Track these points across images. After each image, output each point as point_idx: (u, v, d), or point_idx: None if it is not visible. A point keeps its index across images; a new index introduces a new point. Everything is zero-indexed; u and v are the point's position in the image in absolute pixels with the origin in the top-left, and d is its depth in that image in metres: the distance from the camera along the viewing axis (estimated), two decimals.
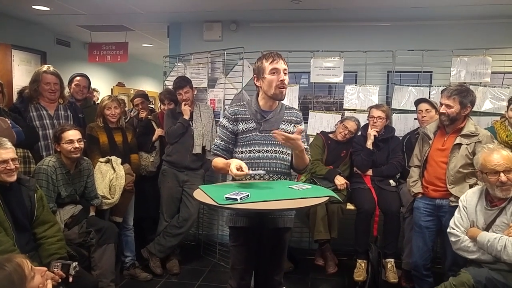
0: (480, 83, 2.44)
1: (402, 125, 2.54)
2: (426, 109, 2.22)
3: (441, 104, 1.84)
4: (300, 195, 1.23)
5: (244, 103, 1.50)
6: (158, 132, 2.54)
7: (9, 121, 1.80)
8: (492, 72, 2.43)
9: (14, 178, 1.50)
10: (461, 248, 1.56)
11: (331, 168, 2.34)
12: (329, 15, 2.75)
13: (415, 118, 2.40)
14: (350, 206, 2.28)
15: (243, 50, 2.56)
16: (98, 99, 3.45)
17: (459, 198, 1.77)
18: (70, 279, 1.47)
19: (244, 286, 1.48)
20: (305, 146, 1.49)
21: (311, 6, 2.55)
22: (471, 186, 1.80)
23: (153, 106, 4.03)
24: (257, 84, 1.43)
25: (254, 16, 2.88)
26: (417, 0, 2.40)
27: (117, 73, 5.15)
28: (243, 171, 1.28)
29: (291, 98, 2.55)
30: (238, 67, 2.63)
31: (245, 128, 1.44)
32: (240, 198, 1.13)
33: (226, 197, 1.15)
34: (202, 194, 1.25)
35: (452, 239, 1.60)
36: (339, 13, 2.70)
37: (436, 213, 1.90)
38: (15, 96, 2.59)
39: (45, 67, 2.17)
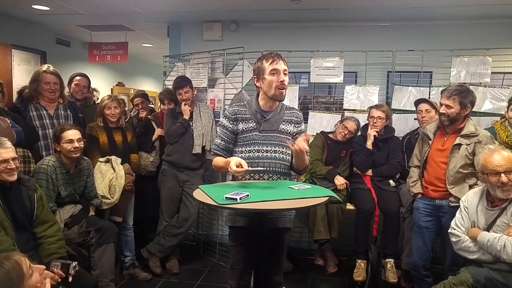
0: (480, 83, 2.44)
1: (402, 125, 2.54)
2: (426, 109, 2.22)
3: (441, 105, 1.84)
4: (299, 195, 1.24)
5: (245, 103, 1.50)
6: (158, 132, 2.54)
7: (9, 121, 1.80)
8: (492, 73, 2.43)
9: (14, 177, 1.50)
10: (462, 248, 1.57)
11: (331, 168, 2.34)
12: (329, 15, 2.75)
13: (415, 118, 2.40)
14: (349, 206, 2.28)
15: (243, 50, 2.56)
16: (98, 99, 3.45)
17: (458, 198, 1.77)
18: (70, 279, 1.48)
19: (243, 286, 1.48)
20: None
21: (311, 6, 2.55)
22: (470, 187, 1.80)
23: (153, 106, 4.03)
24: (257, 84, 1.43)
25: (254, 16, 2.88)
26: (417, 0, 2.40)
27: (117, 73, 5.15)
28: (242, 168, 1.27)
29: (291, 98, 2.55)
30: (238, 67, 2.63)
31: (245, 128, 1.44)
32: (240, 198, 1.14)
33: (226, 197, 1.15)
34: (202, 194, 1.25)
35: (453, 239, 1.60)
36: (339, 13, 2.70)
37: (435, 213, 1.90)
38: (15, 96, 2.59)
39: (45, 67, 2.17)
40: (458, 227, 1.60)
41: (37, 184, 1.67)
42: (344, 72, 2.57)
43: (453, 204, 1.81)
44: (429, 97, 2.44)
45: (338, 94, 2.77)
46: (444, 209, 1.86)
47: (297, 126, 1.48)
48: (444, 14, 2.60)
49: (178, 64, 2.89)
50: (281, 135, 1.44)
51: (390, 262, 2.17)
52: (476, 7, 2.45)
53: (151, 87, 5.66)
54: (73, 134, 1.86)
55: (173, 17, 3.06)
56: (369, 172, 2.32)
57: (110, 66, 4.84)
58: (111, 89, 4.94)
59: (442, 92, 1.87)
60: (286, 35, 2.88)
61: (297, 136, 1.48)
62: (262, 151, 1.42)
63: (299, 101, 2.69)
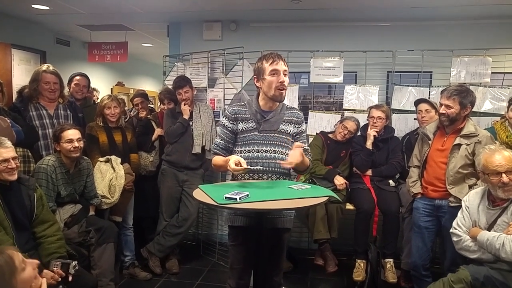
0: (480, 83, 2.44)
1: (402, 125, 2.54)
2: (426, 110, 2.22)
3: (441, 105, 1.84)
4: (299, 195, 1.24)
5: (245, 102, 1.50)
6: (158, 131, 2.54)
7: (8, 121, 1.80)
8: (492, 73, 2.42)
9: (15, 177, 1.50)
10: (463, 248, 1.57)
11: (330, 168, 2.34)
12: (329, 15, 2.75)
13: (414, 119, 2.40)
14: (349, 206, 2.28)
15: (243, 50, 2.56)
16: (97, 98, 3.45)
17: (458, 198, 1.78)
18: (70, 278, 1.48)
19: (242, 286, 1.48)
20: (306, 147, 1.49)
21: (311, 6, 2.55)
22: (470, 187, 1.80)
23: (152, 105, 4.03)
24: (257, 84, 1.43)
25: (254, 16, 2.88)
26: (417, 0, 2.40)
27: (117, 73, 5.15)
28: (241, 166, 1.28)
29: (290, 98, 2.55)
30: (237, 67, 2.63)
31: (245, 128, 1.44)
32: (240, 198, 1.14)
33: (225, 197, 1.15)
34: (201, 194, 1.25)
35: (454, 239, 1.61)
36: (339, 13, 2.70)
37: (435, 213, 1.91)
38: (14, 96, 2.59)
39: (44, 67, 2.17)
40: (459, 226, 1.60)
41: (37, 184, 1.67)
42: (344, 72, 2.57)
43: (452, 204, 1.81)
44: (429, 97, 2.43)
45: (338, 94, 2.77)
46: (443, 209, 1.86)
47: (297, 127, 1.48)
48: (444, 14, 2.60)
49: (178, 64, 2.89)
50: (281, 136, 1.44)
51: (389, 262, 2.17)
52: (476, 7, 2.45)
53: (151, 87, 5.66)
54: (73, 133, 1.86)
55: (173, 17, 3.06)
56: (369, 172, 2.32)
57: (110, 66, 4.83)
58: (111, 88, 4.93)
59: (442, 92, 1.87)
60: (286, 35, 2.88)
61: (297, 136, 1.48)
62: (262, 151, 1.42)
63: (299, 101, 2.69)
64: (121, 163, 2.16)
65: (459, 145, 1.82)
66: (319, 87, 2.83)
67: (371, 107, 2.37)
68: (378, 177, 2.30)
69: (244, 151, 1.43)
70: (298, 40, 2.80)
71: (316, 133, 2.53)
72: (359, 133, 2.40)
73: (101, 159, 2.14)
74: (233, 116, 1.45)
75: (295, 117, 1.49)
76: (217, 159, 1.44)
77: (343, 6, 2.57)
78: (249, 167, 1.32)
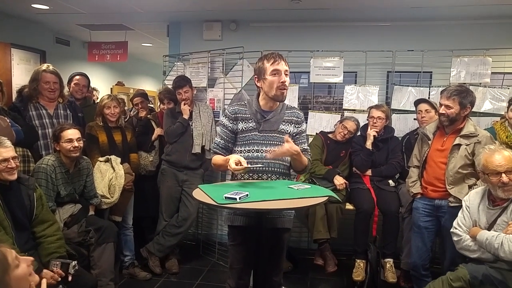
0: (480, 83, 2.44)
1: (402, 125, 2.54)
2: (426, 110, 2.22)
3: (441, 105, 1.84)
4: (299, 195, 1.24)
5: (245, 102, 1.50)
6: (158, 131, 2.54)
7: (8, 120, 1.80)
8: (492, 73, 2.42)
9: (15, 176, 1.50)
10: (463, 247, 1.58)
11: (330, 168, 2.34)
12: (329, 15, 2.75)
13: (414, 119, 2.40)
14: (349, 206, 2.28)
15: (243, 49, 2.56)
16: (97, 98, 3.45)
17: (458, 198, 1.78)
18: (70, 278, 1.48)
19: (242, 286, 1.48)
20: (305, 147, 1.49)
21: (311, 6, 2.55)
22: (470, 187, 1.80)
23: (152, 105, 4.03)
24: (258, 84, 1.43)
25: (254, 16, 2.88)
26: (417, 0, 2.40)
27: (117, 72, 5.14)
28: (241, 166, 1.28)
29: (290, 98, 2.55)
30: (237, 67, 2.63)
31: (245, 128, 1.44)
32: (240, 198, 1.14)
33: (225, 197, 1.15)
34: (201, 194, 1.25)
35: (455, 238, 1.62)
36: (339, 13, 2.70)
37: (435, 213, 1.91)
38: (14, 95, 2.58)
39: (44, 66, 2.17)
40: (459, 226, 1.61)
41: (37, 184, 1.67)
42: (343, 72, 2.57)
43: (452, 204, 1.82)
44: (428, 97, 2.43)
45: (338, 94, 2.77)
46: (443, 209, 1.86)
47: (297, 127, 1.48)
48: (444, 14, 2.60)
49: (178, 63, 2.89)
50: (281, 136, 1.44)
51: (389, 262, 2.17)
52: (476, 7, 2.45)
53: (151, 87, 5.66)
54: (72, 133, 1.85)
55: (173, 17, 3.06)
56: (369, 172, 2.32)
57: (110, 66, 4.83)
58: (111, 88, 4.93)
59: (441, 92, 1.87)
60: (286, 35, 2.88)
61: (297, 136, 1.48)
62: (261, 151, 1.42)
63: (298, 101, 2.69)
64: (121, 163, 2.16)
65: (459, 145, 1.82)
66: (319, 87, 2.83)
67: (371, 107, 2.37)
68: (378, 177, 2.30)
69: (244, 151, 1.43)
70: (298, 40, 2.79)
71: (316, 133, 2.53)
72: (359, 133, 2.40)
73: (100, 158, 2.13)
74: (233, 115, 1.45)
75: (295, 117, 1.49)
76: (217, 159, 1.44)
77: (343, 6, 2.57)
78: (249, 166, 1.31)
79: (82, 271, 1.60)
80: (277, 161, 1.44)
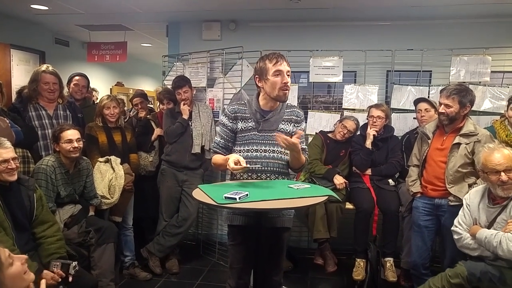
0: (480, 82, 2.44)
1: (401, 125, 2.54)
2: (425, 109, 2.22)
3: (440, 104, 1.84)
4: (299, 194, 1.24)
5: (245, 101, 1.50)
6: (157, 131, 2.54)
7: (8, 121, 1.80)
8: (492, 72, 2.42)
9: (15, 177, 1.50)
10: (464, 245, 1.59)
11: (330, 168, 2.34)
12: (328, 15, 2.75)
13: (414, 118, 2.39)
14: (349, 206, 2.28)
15: (242, 49, 2.56)
16: (97, 98, 3.45)
17: (458, 197, 1.78)
18: (70, 279, 1.48)
19: (242, 286, 1.48)
20: (303, 146, 1.49)
21: (310, 5, 2.55)
22: (470, 186, 1.80)
23: (152, 105, 4.02)
24: (259, 84, 1.43)
25: (253, 16, 2.87)
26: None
27: (116, 73, 5.14)
28: (241, 165, 1.28)
29: (290, 98, 2.48)
30: (237, 67, 2.63)
31: (244, 127, 1.44)
32: (239, 198, 1.14)
33: (225, 197, 1.15)
34: (201, 194, 1.25)
35: (455, 236, 1.62)
36: (338, 12, 2.70)
37: (435, 212, 1.91)
38: (14, 96, 2.58)
39: (44, 67, 2.16)
40: (460, 224, 1.61)
41: (37, 184, 1.67)
42: (343, 71, 2.57)
43: (452, 203, 1.82)
44: (428, 96, 2.43)
45: (337, 94, 2.77)
46: (443, 208, 1.86)
47: (297, 126, 1.48)
48: (443, 13, 2.60)
49: (177, 63, 2.89)
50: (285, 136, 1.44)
51: (389, 261, 2.17)
52: (476, 6, 2.45)
53: (150, 87, 5.65)
54: (72, 134, 1.85)
55: (172, 17, 3.05)
56: (368, 172, 2.32)
57: (109, 66, 4.83)
58: (110, 89, 4.93)
59: (441, 91, 1.87)
60: (285, 34, 2.87)
61: (296, 135, 1.47)
62: (261, 150, 1.42)
63: (298, 100, 2.69)
64: (121, 163, 2.16)
65: (459, 144, 1.82)
66: (319, 86, 2.83)
67: (370, 107, 2.37)
68: (378, 176, 2.30)
69: (243, 151, 1.43)
70: (297, 39, 2.79)
71: (316, 133, 2.53)
72: (358, 133, 2.40)
73: (100, 159, 2.14)
74: (233, 114, 1.45)
75: (295, 116, 1.48)
76: (217, 158, 1.44)
77: (342, 6, 2.57)
78: (248, 166, 1.31)
79: (82, 271, 1.60)
80: (276, 161, 1.44)
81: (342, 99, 2.64)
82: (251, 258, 1.46)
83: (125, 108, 3.30)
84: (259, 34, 2.90)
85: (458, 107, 1.79)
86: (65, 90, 2.39)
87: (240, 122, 1.44)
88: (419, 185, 1.96)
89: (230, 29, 2.98)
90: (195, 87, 2.64)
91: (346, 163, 2.40)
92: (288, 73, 1.39)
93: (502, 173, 1.48)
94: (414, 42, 2.58)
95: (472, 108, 1.89)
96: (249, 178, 1.44)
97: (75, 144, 1.85)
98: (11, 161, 1.47)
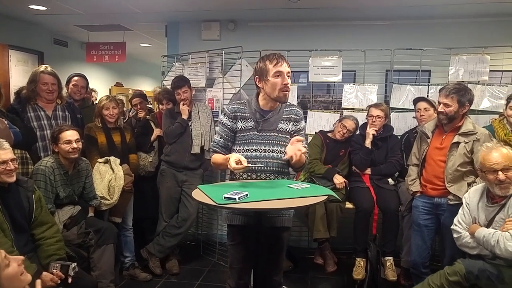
0: (479, 81, 2.45)
1: (401, 124, 2.54)
2: (425, 108, 2.22)
3: (439, 103, 1.84)
4: (298, 194, 1.24)
5: (245, 101, 1.50)
6: (157, 132, 2.54)
7: (6, 122, 1.79)
8: (490, 71, 2.43)
9: (13, 178, 1.49)
10: (463, 244, 1.59)
11: (329, 167, 2.34)
12: (327, 14, 2.75)
13: (413, 117, 2.39)
14: (349, 205, 2.29)
15: (241, 49, 2.55)
16: (96, 99, 3.44)
17: (457, 196, 1.79)
18: (69, 280, 1.47)
19: (242, 286, 1.48)
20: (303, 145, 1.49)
21: (309, 5, 2.55)
22: (469, 185, 1.81)
23: (151, 106, 4.02)
24: (259, 85, 1.43)
25: (252, 15, 2.87)
26: None
27: (115, 73, 5.13)
28: (242, 165, 1.27)
29: (289, 98, 2.53)
30: (236, 67, 2.63)
31: (244, 127, 1.44)
32: (239, 198, 1.13)
33: (224, 197, 1.15)
34: (200, 194, 1.25)
35: (455, 235, 1.63)
36: (337, 12, 2.70)
37: (434, 211, 1.91)
38: (12, 97, 2.57)
39: (42, 67, 2.16)
40: (459, 223, 1.62)
41: (36, 186, 1.66)
42: (342, 71, 2.58)
43: (451, 202, 1.82)
44: (427, 96, 2.44)
45: (337, 93, 2.77)
46: (443, 207, 1.87)
47: (296, 124, 1.48)
48: (442, 12, 2.60)
49: (176, 64, 2.89)
50: (280, 135, 1.44)
51: (389, 260, 2.17)
52: (474, 5, 2.45)
53: (150, 87, 5.64)
54: (71, 134, 1.85)
55: (171, 17, 3.05)
56: (368, 171, 2.32)
57: (108, 66, 4.82)
58: (109, 89, 4.92)
59: (440, 90, 1.87)
60: (284, 34, 2.87)
61: (295, 134, 1.47)
62: (260, 150, 1.42)
63: (297, 100, 2.69)
64: (120, 164, 2.16)
65: (458, 143, 1.82)
66: (318, 86, 2.83)
67: (370, 106, 2.37)
68: (377, 175, 2.30)
69: (243, 150, 1.43)
70: (297, 39, 2.80)
71: (315, 132, 2.53)
72: (358, 132, 2.40)
73: (100, 160, 2.13)
74: (233, 114, 1.45)
75: (294, 114, 1.48)
76: (217, 157, 1.44)
77: (341, 5, 2.57)
78: (249, 165, 1.31)
79: (82, 273, 1.60)
80: (275, 161, 1.44)
81: (341, 98, 2.64)
82: (251, 258, 1.46)
83: (124, 109, 3.30)
84: (258, 34, 2.90)
85: (457, 106, 1.80)
86: (64, 90, 2.39)
87: (239, 121, 1.44)
88: (419, 184, 1.97)
89: (229, 29, 2.98)
90: (194, 87, 2.63)
91: (345, 163, 2.40)
92: (288, 74, 1.39)
93: (500, 172, 1.49)
94: (413, 41, 2.58)
95: (471, 107, 1.89)
96: (249, 178, 1.44)
97: (74, 145, 1.84)
98: (10, 162, 1.47)
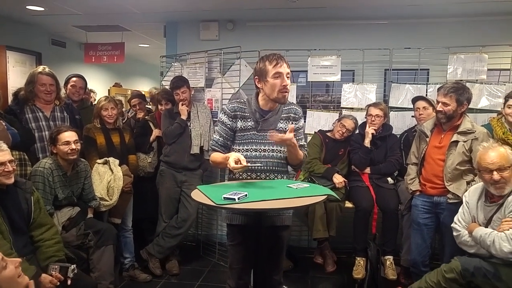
0: (477, 80, 2.45)
1: (400, 123, 2.54)
2: (423, 107, 2.23)
3: (438, 102, 1.85)
4: (298, 194, 1.24)
5: (244, 100, 1.50)
6: (156, 132, 2.53)
7: (4, 123, 1.79)
8: (488, 69, 2.44)
9: (11, 180, 1.49)
10: (462, 242, 1.60)
11: (329, 167, 2.34)
12: (326, 14, 2.75)
13: (412, 116, 2.40)
14: (348, 204, 2.29)
15: (240, 49, 2.55)
16: (95, 100, 3.43)
17: (456, 195, 1.79)
18: (69, 282, 1.47)
19: (242, 286, 1.48)
20: (302, 143, 1.49)
21: (307, 4, 2.55)
22: (468, 183, 1.81)
23: (150, 106, 4.02)
24: (259, 85, 1.43)
25: (250, 15, 2.87)
26: None
27: (114, 74, 5.12)
28: (241, 164, 1.27)
29: (289, 98, 2.54)
30: (235, 67, 2.63)
31: (243, 126, 1.44)
32: (238, 198, 1.13)
33: (224, 197, 1.15)
34: (200, 195, 1.24)
35: (454, 233, 1.64)
36: (335, 11, 2.70)
37: (434, 210, 1.92)
38: (10, 98, 2.57)
39: (40, 68, 2.15)
40: (459, 221, 1.63)
41: (34, 187, 1.65)
42: (341, 70, 2.58)
43: (451, 201, 1.83)
44: (426, 95, 2.44)
45: (336, 93, 2.77)
46: (442, 206, 1.87)
47: (295, 123, 1.47)
48: (440, 11, 2.61)
49: (175, 64, 2.88)
50: (279, 134, 1.44)
51: (389, 259, 2.18)
52: (472, 4, 2.46)
53: (148, 88, 5.63)
54: (69, 136, 1.84)
55: (170, 17, 3.05)
56: (367, 170, 2.32)
57: (107, 67, 4.81)
58: (108, 90, 4.91)
59: (438, 89, 1.88)
60: (283, 34, 2.87)
61: (294, 133, 1.47)
62: (260, 150, 1.42)
63: (296, 100, 2.69)
64: (119, 165, 2.15)
65: (456, 142, 1.82)
66: (317, 85, 2.83)
67: (369, 105, 2.37)
68: (377, 174, 2.30)
69: (243, 150, 1.43)
70: (295, 39, 2.80)
71: (315, 132, 2.53)
72: (357, 131, 2.41)
73: (99, 161, 2.12)
74: (233, 113, 1.44)
75: (293, 113, 1.48)
76: (216, 156, 1.43)
77: (340, 5, 2.57)
78: (248, 165, 1.31)
79: (81, 274, 1.59)
80: (275, 160, 1.44)
81: (340, 98, 2.64)
82: (251, 258, 1.46)
83: (123, 109, 3.29)
84: (257, 34, 2.90)
85: (456, 105, 1.80)
86: (62, 91, 2.38)
87: (239, 120, 1.44)
88: (418, 183, 1.97)
89: (228, 29, 2.98)
90: (193, 87, 2.63)
91: (345, 162, 2.41)
92: (288, 75, 1.39)
93: (495, 172, 1.50)
94: (411, 40, 2.59)
95: (469, 106, 1.90)
96: (248, 177, 1.43)
97: (73, 146, 1.83)
98: (8, 164, 1.46)
